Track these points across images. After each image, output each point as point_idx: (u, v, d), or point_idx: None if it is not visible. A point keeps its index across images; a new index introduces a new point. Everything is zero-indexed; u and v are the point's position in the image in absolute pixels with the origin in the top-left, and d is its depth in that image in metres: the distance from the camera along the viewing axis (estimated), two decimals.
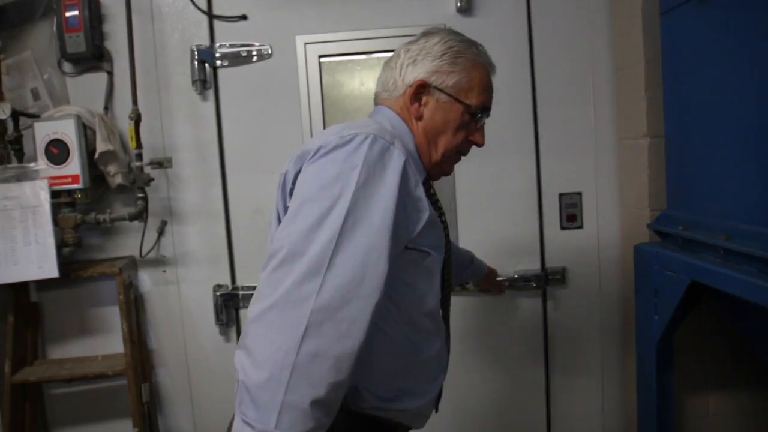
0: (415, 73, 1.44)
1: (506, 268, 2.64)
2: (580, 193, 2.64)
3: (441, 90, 1.43)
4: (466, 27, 2.19)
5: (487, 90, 1.49)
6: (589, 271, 2.66)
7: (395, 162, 1.22)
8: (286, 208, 1.29)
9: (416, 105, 1.45)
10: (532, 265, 2.68)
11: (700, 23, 1.93)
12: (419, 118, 1.45)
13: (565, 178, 2.64)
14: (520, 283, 2.65)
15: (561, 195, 2.64)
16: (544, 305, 2.69)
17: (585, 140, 2.61)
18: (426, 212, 1.28)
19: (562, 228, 2.65)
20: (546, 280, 2.66)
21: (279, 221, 1.34)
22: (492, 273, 2.43)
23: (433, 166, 1.49)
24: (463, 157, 1.56)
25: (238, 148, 2.64)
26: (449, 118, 1.44)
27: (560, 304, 2.69)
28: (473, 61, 1.47)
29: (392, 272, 1.18)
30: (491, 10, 2.57)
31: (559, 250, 2.67)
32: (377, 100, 1.55)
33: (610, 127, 2.59)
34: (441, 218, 1.49)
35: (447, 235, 1.51)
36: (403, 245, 1.26)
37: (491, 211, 2.64)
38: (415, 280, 1.35)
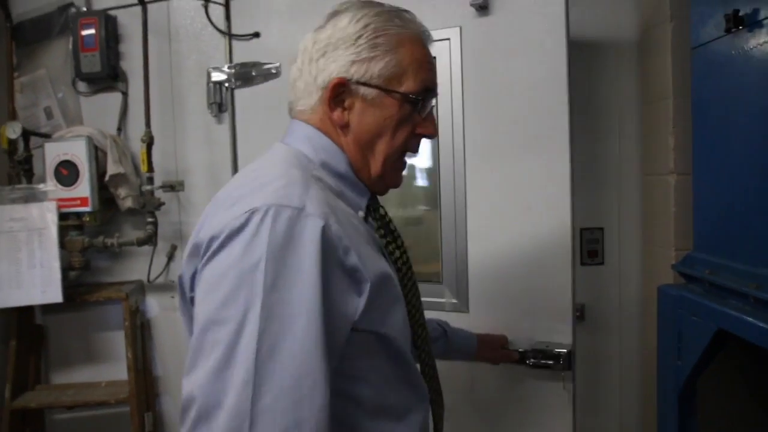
0: (328, 71, 1.13)
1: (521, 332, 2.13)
2: (602, 229, 2.54)
3: (365, 84, 1.12)
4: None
5: (425, 66, 1.18)
6: (609, 310, 2.56)
7: (309, 236, 0.93)
8: (191, 318, 1.03)
9: (338, 111, 1.14)
10: (560, 334, 2.11)
11: (732, 59, 1.84)
12: (345, 126, 1.15)
13: (586, 213, 2.54)
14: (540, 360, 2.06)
15: (582, 230, 2.55)
16: None
17: (609, 174, 2.53)
18: (366, 283, 1.00)
19: (583, 263, 2.56)
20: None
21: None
22: (489, 342, 1.96)
23: (375, 181, 1.19)
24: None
25: None
26: (384, 117, 1.13)
27: (577, 342, 2.58)
28: (398, 36, 1.15)
29: (341, 368, 0.98)
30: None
31: (579, 286, 2.56)
32: (292, 113, 1.22)
33: (635, 162, 2.50)
34: (397, 255, 1.22)
35: (413, 283, 1.27)
36: (346, 333, 1.00)
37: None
38: (372, 366, 1.08)
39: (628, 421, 2.58)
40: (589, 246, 2.55)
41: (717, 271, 1.95)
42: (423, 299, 1.98)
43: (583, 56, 2.49)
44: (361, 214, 1.16)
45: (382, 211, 1.23)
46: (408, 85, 1.14)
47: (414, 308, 1.25)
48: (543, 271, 2.05)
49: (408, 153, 1.22)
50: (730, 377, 2.28)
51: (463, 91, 2.10)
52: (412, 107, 1.15)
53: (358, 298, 0.99)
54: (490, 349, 1.95)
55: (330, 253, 0.95)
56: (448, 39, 2.13)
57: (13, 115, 2.36)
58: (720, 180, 1.96)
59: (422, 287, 1.97)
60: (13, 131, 2.27)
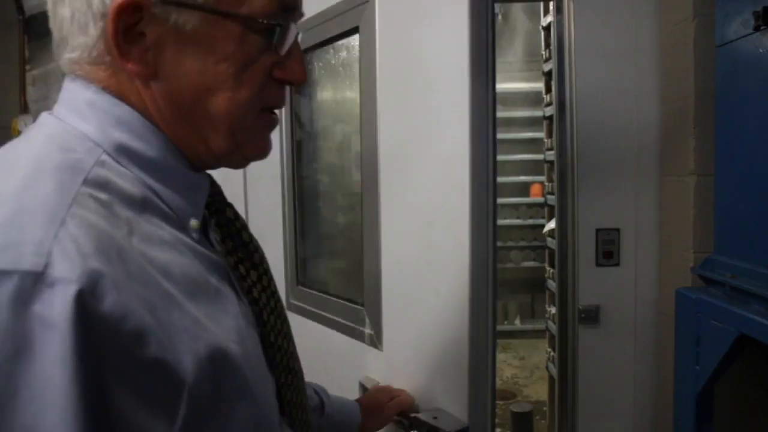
0: None
1: None
2: (618, 230, 2.49)
3: (180, 3, 0.67)
4: None
5: None
6: (624, 312, 2.51)
7: (57, 323, 0.53)
8: None
9: (135, 54, 0.68)
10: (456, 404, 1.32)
11: (760, 57, 1.79)
12: (151, 78, 0.69)
13: (603, 213, 2.49)
14: None
15: (598, 230, 2.50)
16: (575, 345, 2.54)
17: (626, 174, 2.47)
18: (182, 388, 0.59)
19: (598, 265, 2.51)
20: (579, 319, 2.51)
21: None
22: (375, 407, 1.32)
23: (224, 158, 0.76)
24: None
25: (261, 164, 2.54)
26: (218, 58, 0.70)
27: (591, 345, 2.53)
28: None
29: None
30: None
31: (594, 287, 2.52)
32: (62, 66, 0.74)
33: (653, 162, 2.45)
34: (253, 280, 0.80)
35: (282, 320, 0.84)
36: None
37: None
38: None
39: (642, 425, 2.53)
40: (604, 247, 2.50)
41: (739, 275, 1.91)
42: (343, 322, 1.65)
43: (601, 53, 2.44)
44: (194, 225, 0.73)
45: (229, 214, 0.82)
46: (253, 4, 0.70)
47: (284, 366, 0.83)
48: (438, 319, 1.34)
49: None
50: (749, 382, 2.23)
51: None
52: (264, 39, 0.72)
53: (167, 419, 0.58)
54: (377, 415, 1.31)
55: (101, 347, 0.54)
56: None
57: (25, 108, 2.34)
58: (743, 181, 1.91)
59: (343, 308, 1.66)
60: (25, 124, 2.24)
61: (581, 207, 2.50)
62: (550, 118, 3.54)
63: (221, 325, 0.67)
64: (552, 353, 3.52)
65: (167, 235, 0.67)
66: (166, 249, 0.65)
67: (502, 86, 6.86)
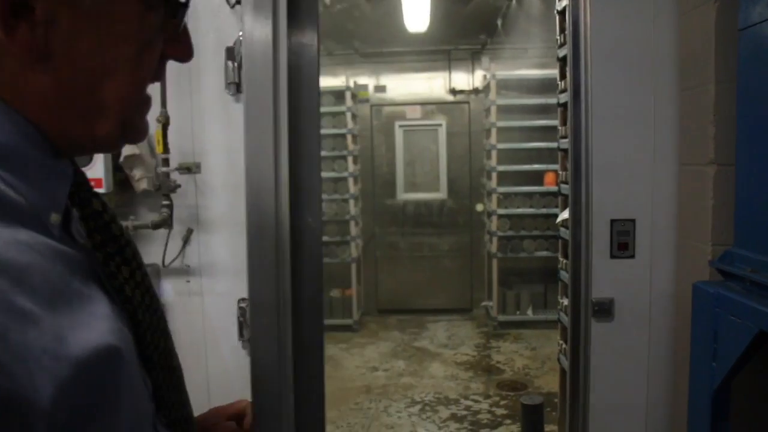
0: None
1: None
2: (633, 220, 2.41)
3: None
4: None
5: None
6: (639, 306, 2.44)
7: None
8: None
9: (24, 29, 0.58)
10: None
11: None
12: (40, 58, 0.60)
13: (618, 203, 2.41)
14: None
15: (613, 221, 2.42)
16: (587, 338, 2.47)
17: (642, 163, 2.39)
18: (39, 426, 0.50)
19: (612, 257, 2.43)
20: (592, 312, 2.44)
21: None
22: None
23: (103, 144, 0.70)
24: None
25: None
26: (119, 35, 0.64)
27: (604, 339, 2.46)
28: None
29: None
30: None
31: (608, 280, 2.44)
32: None
33: (671, 151, 2.36)
34: (124, 277, 0.70)
35: (159, 316, 0.76)
36: None
37: None
38: None
39: (655, 422, 2.46)
40: (619, 238, 2.42)
41: (760, 269, 1.83)
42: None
43: (618, 37, 2.35)
44: (55, 220, 0.64)
45: (96, 205, 0.71)
46: None
47: (162, 364, 0.76)
48: None
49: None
50: (766, 380, 2.15)
51: None
52: (160, 16, 0.67)
53: None
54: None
55: None
56: None
57: None
58: (765, 171, 1.83)
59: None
60: None
61: (595, 197, 2.42)
62: (564, 105, 3.45)
63: (89, 332, 0.58)
64: (564, 345, 3.45)
65: (22, 234, 0.56)
66: (22, 252, 0.55)
67: (517, 73, 6.76)
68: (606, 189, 2.41)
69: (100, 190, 2.25)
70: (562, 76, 3.38)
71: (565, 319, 3.39)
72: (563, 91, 3.39)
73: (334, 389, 5.34)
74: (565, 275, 3.43)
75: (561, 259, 3.53)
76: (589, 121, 2.42)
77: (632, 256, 2.42)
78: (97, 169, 2.25)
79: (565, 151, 3.55)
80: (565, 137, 3.47)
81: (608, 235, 2.42)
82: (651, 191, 2.40)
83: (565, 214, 3.29)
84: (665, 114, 2.35)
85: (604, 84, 2.37)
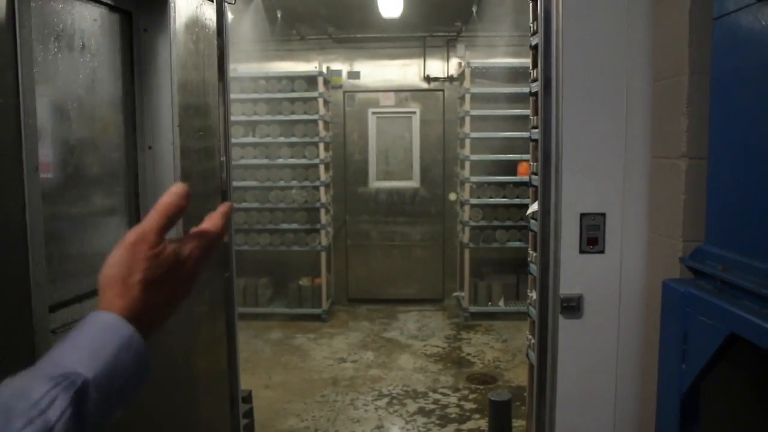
0: None
1: None
2: (603, 214, 2.34)
3: None
4: None
5: None
6: (608, 303, 2.37)
7: None
8: None
9: None
10: None
11: (762, 31, 1.62)
12: None
13: (588, 197, 2.34)
14: None
15: (582, 215, 2.35)
16: (555, 335, 2.40)
17: (613, 156, 2.32)
18: None
19: (582, 251, 2.36)
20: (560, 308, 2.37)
21: None
22: None
23: None
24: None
25: None
26: None
27: (572, 336, 2.40)
28: None
29: None
30: None
31: (577, 275, 2.38)
32: None
33: (643, 143, 2.29)
34: None
35: None
36: None
37: None
38: None
39: (624, 420, 2.40)
40: (589, 232, 2.35)
41: (731, 268, 1.76)
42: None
43: (590, 25, 2.27)
44: None
45: None
46: None
47: None
48: None
49: None
50: (737, 381, 2.10)
51: None
52: None
53: None
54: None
55: None
56: None
57: None
58: (740, 166, 1.76)
59: None
60: None
61: (565, 189, 2.35)
62: (536, 95, 3.37)
63: None
64: (532, 340, 3.38)
65: None
66: None
67: (491, 61, 6.68)
68: (576, 182, 2.34)
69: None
70: (535, 64, 3.28)
71: (534, 314, 3.33)
72: (535, 80, 3.30)
73: (300, 381, 5.25)
74: (534, 269, 3.36)
75: (531, 251, 3.46)
76: (560, 112, 2.34)
77: (602, 251, 2.36)
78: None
79: (536, 141, 3.47)
80: (536, 127, 3.38)
81: (578, 229, 2.35)
82: (622, 185, 2.33)
83: (534, 207, 3.22)
84: (638, 105, 2.28)
85: (576, 74, 2.30)
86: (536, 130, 3.41)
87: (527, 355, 3.51)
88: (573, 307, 2.37)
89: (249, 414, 3.38)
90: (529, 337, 3.44)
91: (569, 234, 2.36)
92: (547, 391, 2.50)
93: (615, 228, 2.34)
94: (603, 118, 2.31)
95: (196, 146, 2.24)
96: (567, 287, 2.38)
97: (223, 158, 2.52)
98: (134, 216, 2.04)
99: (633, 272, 2.35)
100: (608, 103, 2.30)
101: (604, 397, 2.41)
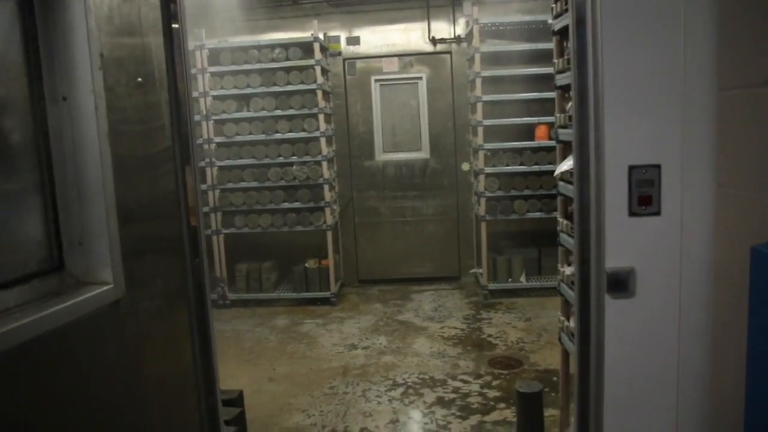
0: None
1: None
2: (658, 166, 1.84)
3: None
4: None
5: None
6: (667, 277, 1.88)
7: None
8: None
9: None
10: None
11: None
12: None
13: (637, 145, 1.84)
14: None
15: (631, 168, 1.85)
16: (600, 320, 1.92)
17: (669, 89, 1.81)
18: None
19: (632, 214, 1.87)
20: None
21: None
22: None
23: None
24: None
25: None
26: None
27: (622, 320, 1.91)
28: None
29: None
30: None
31: (626, 244, 1.88)
32: None
33: (708, 70, 1.78)
34: None
35: None
36: None
37: None
38: None
39: (689, 423, 1.93)
40: (640, 190, 1.86)
41: None
42: None
43: None
44: None
45: None
46: None
47: None
48: None
49: None
50: None
51: None
52: None
53: None
54: None
55: None
56: None
57: None
58: None
59: None
60: None
61: (608, 138, 1.85)
62: (561, 32, 2.86)
63: None
64: (566, 323, 2.91)
65: None
66: None
67: (502, 19, 6.15)
68: (621, 126, 1.85)
69: None
70: None
71: (569, 293, 2.85)
72: (560, 13, 2.80)
73: (307, 371, 4.82)
74: (567, 240, 2.88)
75: (561, 219, 2.97)
76: (598, 39, 1.84)
77: (657, 213, 1.86)
78: None
79: (562, 88, 2.97)
80: (562, 71, 2.88)
81: (626, 186, 1.85)
82: (680, 127, 1.82)
83: (564, 165, 2.73)
84: (699, 19, 1.77)
85: None
86: (562, 75, 2.90)
87: (560, 339, 3.04)
88: (622, 283, 1.88)
89: (239, 419, 2.93)
90: (562, 319, 2.96)
91: (615, 193, 1.86)
92: (591, 385, 2.02)
93: (673, 183, 1.84)
94: (653, 41, 1.80)
95: (133, 97, 1.75)
96: (614, 259, 1.89)
97: (181, 112, 2.01)
98: (48, 190, 1.57)
99: (698, 238, 1.85)
100: (660, 19, 1.79)
101: (663, 394, 1.93)
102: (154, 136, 1.84)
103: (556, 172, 2.83)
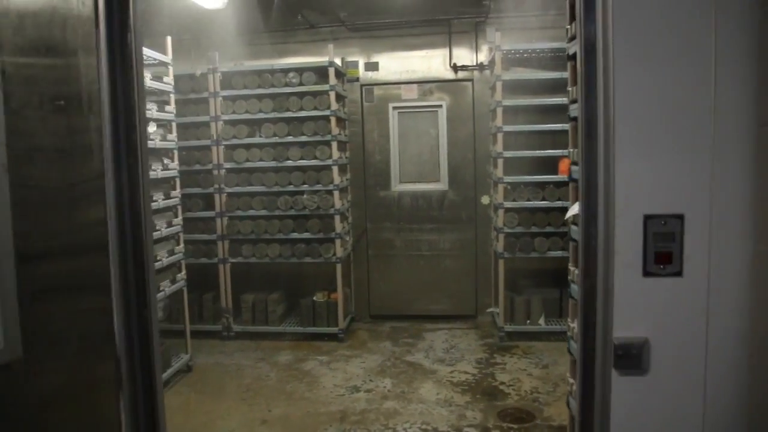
0: None
1: None
2: (680, 217, 1.52)
3: None
4: None
5: None
6: (690, 352, 1.54)
7: None
8: None
9: None
10: None
11: None
12: None
13: (655, 190, 1.52)
14: None
15: (647, 218, 1.53)
16: (605, 397, 1.58)
17: (694, 124, 1.50)
18: None
19: (647, 274, 1.54)
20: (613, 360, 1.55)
21: None
22: None
23: None
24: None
25: None
26: None
27: (633, 401, 1.57)
28: None
29: None
30: None
31: (639, 310, 1.55)
32: None
33: (743, 102, 1.46)
34: None
35: None
36: None
37: None
38: None
39: None
40: (657, 245, 1.53)
41: None
42: None
43: None
44: None
45: None
46: None
47: None
48: None
49: None
50: None
51: None
52: None
53: None
54: None
55: None
56: None
57: None
58: None
59: None
60: None
61: (620, 180, 1.54)
62: (575, 57, 2.55)
63: None
64: (574, 386, 2.55)
65: None
66: None
67: (525, 46, 5.85)
68: (636, 167, 1.54)
69: None
70: (572, 17, 2.48)
71: (575, 352, 2.49)
72: (574, 37, 2.49)
73: (303, 415, 4.49)
74: (576, 290, 2.53)
75: (572, 268, 2.63)
76: (610, 64, 1.53)
77: (678, 274, 1.53)
78: None
79: (576, 120, 2.64)
80: (576, 101, 2.56)
81: (640, 240, 1.53)
82: (710, 169, 1.50)
83: (575, 208, 2.40)
84: (734, 42, 1.45)
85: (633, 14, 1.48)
86: (576, 105, 2.58)
87: (567, 403, 2.68)
88: (633, 358, 1.55)
89: None
90: (571, 381, 2.60)
91: (627, 247, 1.54)
92: None
93: (699, 238, 1.51)
94: (677, 66, 1.49)
95: (49, 121, 1.47)
96: (624, 328, 1.55)
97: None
98: None
99: (728, 305, 1.51)
100: (686, 42, 1.48)
101: None
102: (77, 164, 1.55)
103: (568, 215, 2.50)
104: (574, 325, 2.53)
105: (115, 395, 1.69)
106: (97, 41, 1.64)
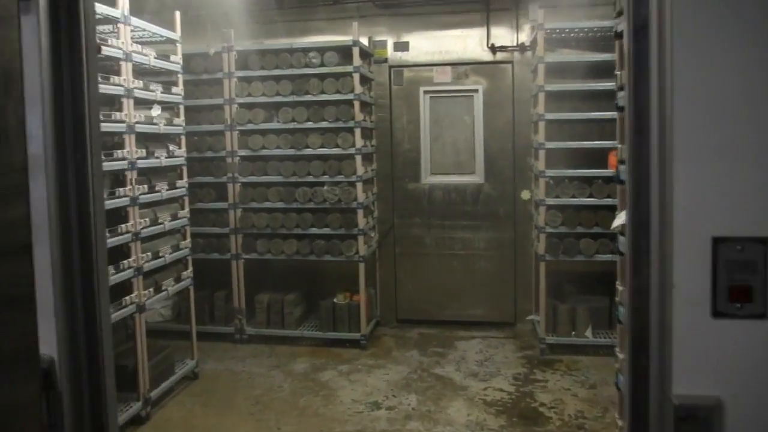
0: None
1: None
2: (763, 241, 1.21)
3: None
4: None
5: None
6: None
7: None
8: None
9: None
10: None
11: None
12: None
13: (728, 205, 1.23)
14: None
15: (717, 241, 1.23)
16: None
17: None
18: None
19: (717, 314, 1.25)
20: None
21: None
22: None
23: None
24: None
25: None
26: None
27: None
28: None
29: None
30: None
31: (708, 360, 1.26)
32: None
33: None
34: None
35: None
36: None
37: None
38: None
39: None
40: (732, 277, 1.23)
41: None
42: None
43: None
44: None
45: None
46: None
47: None
48: None
49: None
50: None
51: None
52: None
53: None
54: None
55: None
56: None
57: None
58: None
59: None
60: None
61: (678, 190, 1.24)
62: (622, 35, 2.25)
63: None
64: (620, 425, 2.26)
65: None
66: None
67: (571, 24, 5.52)
68: (701, 174, 1.24)
69: None
70: None
71: (626, 395, 2.20)
72: (621, 12, 2.19)
73: None
74: (624, 314, 2.24)
75: (619, 286, 2.33)
76: (666, 42, 1.25)
77: (762, 316, 1.23)
78: None
79: (623, 110, 2.34)
80: (623, 88, 2.26)
81: (708, 270, 1.24)
82: None
83: (623, 216, 2.10)
84: None
85: None
86: (623, 93, 2.28)
87: None
88: (700, 423, 1.26)
89: None
90: (620, 423, 2.31)
91: (689, 278, 1.25)
92: None
93: None
94: (757, 44, 1.19)
95: None
96: (687, 383, 1.27)
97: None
98: None
99: None
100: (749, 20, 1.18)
101: None
102: None
103: (614, 224, 2.21)
104: (622, 357, 2.24)
105: None
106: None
